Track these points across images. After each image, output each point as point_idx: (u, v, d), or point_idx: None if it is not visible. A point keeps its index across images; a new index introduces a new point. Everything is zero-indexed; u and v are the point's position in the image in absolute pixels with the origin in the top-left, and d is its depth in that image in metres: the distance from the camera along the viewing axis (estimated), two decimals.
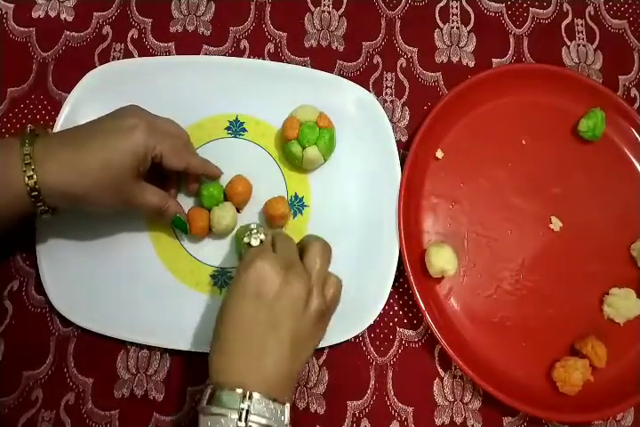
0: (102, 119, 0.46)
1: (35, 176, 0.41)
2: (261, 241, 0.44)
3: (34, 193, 0.42)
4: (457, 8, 0.64)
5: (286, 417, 0.39)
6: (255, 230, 0.44)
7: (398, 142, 0.57)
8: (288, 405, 0.40)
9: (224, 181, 0.53)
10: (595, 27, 0.65)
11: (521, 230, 0.56)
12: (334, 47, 0.61)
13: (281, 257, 0.42)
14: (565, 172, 0.58)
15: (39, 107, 0.57)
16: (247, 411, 0.38)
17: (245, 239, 0.44)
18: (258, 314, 0.40)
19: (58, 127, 0.53)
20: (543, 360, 0.52)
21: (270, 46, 0.61)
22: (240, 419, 0.37)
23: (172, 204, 0.49)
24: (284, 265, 0.42)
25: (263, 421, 0.38)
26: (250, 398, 0.38)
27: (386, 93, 0.60)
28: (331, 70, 0.60)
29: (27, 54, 0.59)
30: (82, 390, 0.50)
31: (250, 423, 0.37)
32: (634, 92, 0.63)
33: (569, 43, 0.64)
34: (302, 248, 0.45)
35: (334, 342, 0.51)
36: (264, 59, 0.60)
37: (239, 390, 0.38)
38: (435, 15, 0.64)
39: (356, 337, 0.52)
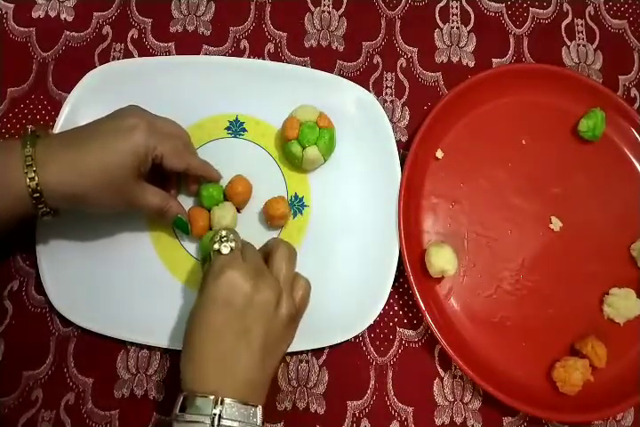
0: (102, 120, 0.46)
1: (36, 178, 0.41)
2: (231, 249, 0.43)
3: (35, 195, 0.41)
4: (457, 8, 0.64)
5: (258, 419, 0.40)
6: (225, 237, 0.44)
7: (398, 142, 0.57)
8: (260, 407, 0.40)
9: (224, 181, 0.53)
10: (595, 27, 0.65)
11: (521, 230, 0.56)
12: (334, 47, 0.61)
13: (250, 265, 0.43)
14: (565, 172, 0.58)
15: (39, 107, 0.57)
16: (219, 416, 0.38)
17: (215, 246, 0.44)
18: (228, 322, 0.41)
19: (58, 127, 0.53)
20: (543, 360, 0.52)
21: (270, 46, 0.61)
22: (212, 424, 0.38)
23: (173, 204, 0.49)
24: (254, 273, 0.42)
25: (235, 424, 0.39)
26: (222, 403, 0.39)
27: (386, 93, 0.60)
28: (331, 70, 0.60)
29: (27, 54, 0.59)
30: (82, 390, 0.50)
31: None
32: (634, 92, 0.63)
33: (569, 43, 0.64)
34: (267, 253, 0.46)
35: (334, 342, 0.51)
36: (264, 59, 0.60)
37: (210, 397, 0.39)
38: (435, 15, 0.64)
39: (356, 337, 0.52)
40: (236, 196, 0.52)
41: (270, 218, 0.52)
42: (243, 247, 0.45)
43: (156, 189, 0.48)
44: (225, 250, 0.43)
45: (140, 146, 0.44)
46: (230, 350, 0.41)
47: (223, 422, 0.38)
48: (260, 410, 0.40)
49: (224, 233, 0.44)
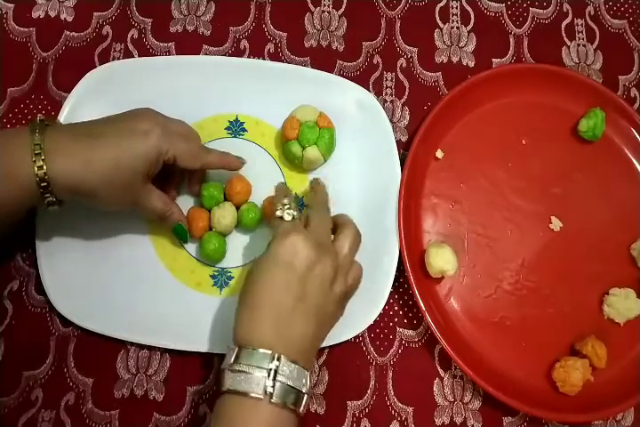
0: (116, 119, 0.46)
1: (44, 167, 0.40)
2: (294, 217, 0.45)
3: (43, 184, 0.41)
4: (457, 8, 0.64)
5: (308, 383, 0.40)
6: (288, 205, 0.45)
7: (398, 142, 0.57)
8: (310, 372, 0.41)
9: (224, 180, 0.53)
10: (595, 27, 0.65)
11: (521, 230, 0.56)
12: (334, 47, 0.61)
13: (314, 235, 0.43)
14: (565, 172, 0.58)
15: (39, 107, 0.57)
16: (275, 371, 0.39)
17: (278, 213, 0.45)
18: (289, 284, 0.41)
19: None
20: (543, 360, 0.52)
21: (270, 46, 0.61)
22: (269, 377, 0.38)
23: (175, 211, 0.49)
24: (317, 243, 0.43)
25: (289, 382, 0.39)
26: (278, 359, 0.39)
27: (386, 93, 0.60)
28: (331, 70, 0.60)
29: (27, 54, 0.59)
30: (82, 390, 0.50)
31: (277, 383, 0.38)
32: (634, 92, 0.63)
33: (569, 43, 0.64)
34: (335, 226, 0.47)
35: (334, 342, 0.51)
36: (264, 59, 0.60)
37: (268, 351, 0.39)
38: (435, 15, 0.64)
39: (356, 337, 0.52)
40: (236, 195, 0.52)
41: (269, 216, 0.52)
42: (312, 217, 0.46)
43: (161, 193, 0.48)
44: (287, 217, 0.44)
45: (153, 150, 0.44)
46: (288, 312, 0.41)
47: (279, 377, 0.38)
48: (309, 375, 0.41)
49: (286, 201, 0.45)
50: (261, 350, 0.39)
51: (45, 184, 0.41)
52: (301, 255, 0.42)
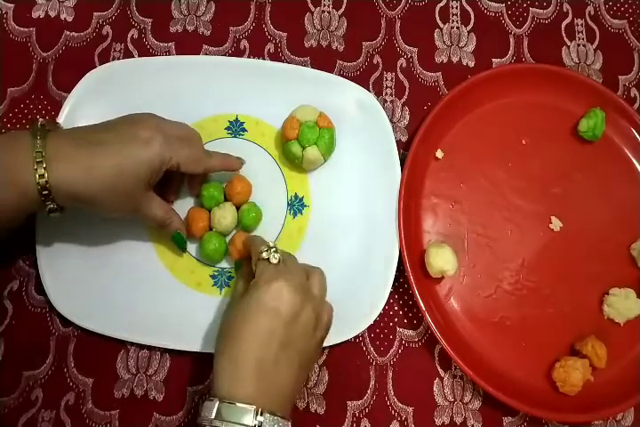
0: (117, 125, 0.45)
1: (46, 175, 0.40)
2: (279, 260, 0.44)
3: (44, 192, 0.41)
4: (457, 8, 0.64)
5: None
6: (274, 249, 0.44)
7: (398, 142, 0.57)
8: (290, 421, 0.40)
9: (223, 181, 0.53)
10: (595, 27, 0.65)
11: (521, 230, 0.56)
12: (334, 47, 0.61)
13: (298, 281, 0.43)
14: (565, 172, 0.58)
15: (39, 107, 0.57)
16: None
17: (264, 255, 0.44)
18: (275, 330, 0.40)
19: None
20: (543, 360, 0.52)
21: (270, 46, 0.61)
22: None
23: (175, 219, 0.49)
24: (302, 290, 0.43)
25: None
26: (262, 414, 0.38)
27: (386, 93, 0.60)
28: (331, 70, 0.60)
29: (27, 54, 0.59)
30: (82, 390, 0.50)
31: None
32: (634, 92, 0.63)
33: (569, 43, 0.64)
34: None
35: (334, 342, 0.51)
36: (264, 59, 0.60)
37: (251, 407, 0.38)
38: (435, 15, 0.64)
39: (356, 337, 0.52)
40: (237, 196, 0.52)
41: (234, 254, 0.51)
42: (288, 263, 0.45)
43: (162, 201, 0.48)
44: (274, 260, 0.44)
45: (157, 159, 0.44)
46: (272, 363, 0.40)
47: None
48: (290, 425, 0.40)
49: (272, 244, 0.45)
50: (245, 406, 0.38)
51: (47, 192, 0.41)
52: (287, 301, 0.41)
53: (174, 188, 0.53)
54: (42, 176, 0.40)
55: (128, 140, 0.44)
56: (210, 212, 0.52)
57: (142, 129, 0.44)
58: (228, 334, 0.42)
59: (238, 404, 0.38)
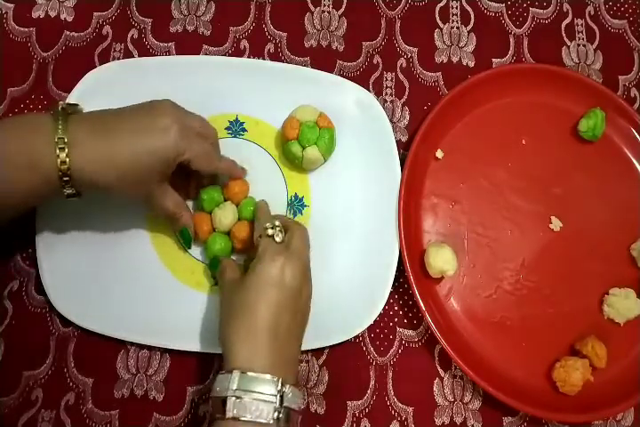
0: (135, 111, 0.45)
1: (67, 162, 0.40)
2: (282, 239, 0.45)
3: (65, 178, 0.41)
4: (457, 8, 0.64)
5: (304, 400, 0.43)
6: (279, 227, 0.46)
7: (398, 142, 0.57)
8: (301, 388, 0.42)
9: (220, 182, 0.53)
10: (595, 27, 0.65)
11: (521, 230, 0.56)
12: (334, 47, 0.61)
13: (302, 260, 0.45)
14: (565, 172, 0.58)
15: (39, 107, 0.57)
16: (282, 396, 0.39)
17: (270, 231, 0.45)
18: (285, 302, 0.42)
19: None
20: (543, 360, 0.52)
21: (270, 46, 0.61)
22: (277, 404, 0.39)
23: (185, 215, 0.49)
24: (305, 268, 0.45)
25: (294, 406, 0.40)
26: (282, 384, 0.39)
27: (386, 93, 0.60)
28: (331, 70, 0.60)
29: (27, 54, 0.59)
30: (82, 390, 0.50)
31: (284, 409, 0.39)
32: (634, 92, 0.63)
33: (569, 43, 0.64)
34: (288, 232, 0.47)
35: (334, 342, 0.51)
36: (264, 59, 0.60)
37: (273, 377, 0.39)
38: (435, 15, 0.64)
39: (356, 337, 0.52)
40: (235, 196, 0.52)
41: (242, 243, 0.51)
42: (292, 237, 0.46)
43: (175, 194, 0.48)
44: (278, 239, 0.45)
45: (171, 151, 0.44)
46: (285, 332, 0.42)
47: (285, 402, 0.39)
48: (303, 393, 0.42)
49: (277, 223, 0.46)
50: (267, 376, 0.39)
51: (67, 178, 0.41)
52: (293, 276, 0.43)
53: (195, 184, 0.53)
54: (63, 163, 0.40)
55: (144, 130, 0.43)
56: (210, 214, 0.52)
57: (159, 117, 0.44)
58: (238, 307, 0.42)
59: (261, 374, 0.39)
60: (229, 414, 0.38)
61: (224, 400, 0.39)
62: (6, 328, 0.51)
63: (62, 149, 0.40)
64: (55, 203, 0.52)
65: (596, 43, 0.64)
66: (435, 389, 0.52)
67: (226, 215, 0.51)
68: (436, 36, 0.63)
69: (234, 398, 0.38)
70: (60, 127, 0.41)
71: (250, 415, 0.38)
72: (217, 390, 0.40)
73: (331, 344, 0.51)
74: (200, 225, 0.51)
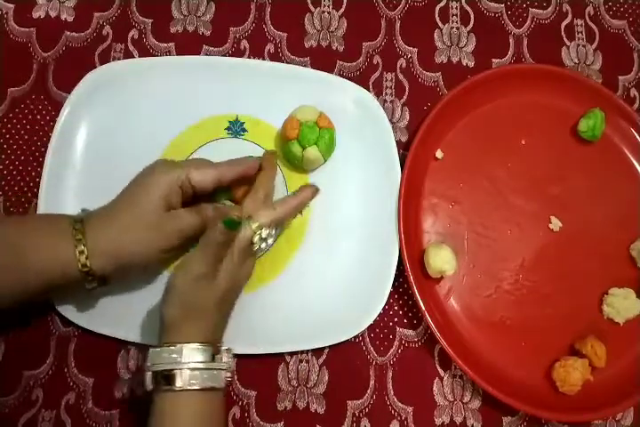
0: (129, 185, 0.47)
1: (88, 264, 0.43)
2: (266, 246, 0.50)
3: (90, 277, 0.44)
4: (457, 8, 0.64)
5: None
6: (266, 237, 0.48)
7: (398, 142, 0.57)
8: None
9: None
10: (594, 27, 0.65)
11: (521, 230, 0.56)
12: (334, 47, 0.61)
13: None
14: (565, 172, 0.58)
15: (39, 107, 0.57)
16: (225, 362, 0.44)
17: (262, 235, 0.47)
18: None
19: (58, 127, 0.53)
20: (543, 360, 0.52)
21: (270, 46, 0.61)
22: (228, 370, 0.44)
23: (208, 210, 0.48)
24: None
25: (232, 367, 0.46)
26: (220, 349, 0.45)
27: (386, 93, 0.60)
28: (331, 70, 0.60)
29: (27, 54, 0.59)
30: (82, 390, 0.50)
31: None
32: (633, 92, 0.63)
33: (569, 43, 0.64)
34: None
35: (334, 342, 0.51)
36: (264, 59, 0.60)
37: (224, 347, 0.45)
38: (435, 15, 0.64)
39: (355, 337, 0.52)
40: (240, 200, 0.51)
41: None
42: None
43: (186, 208, 0.47)
44: (255, 246, 0.47)
45: (163, 181, 0.45)
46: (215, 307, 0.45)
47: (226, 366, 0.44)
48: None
49: (273, 232, 0.49)
50: (223, 348, 0.45)
51: (91, 277, 0.44)
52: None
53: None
54: (85, 266, 0.43)
55: (137, 192, 0.46)
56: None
57: (146, 170, 0.47)
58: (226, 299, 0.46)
59: (201, 344, 0.43)
60: (179, 385, 0.41)
61: (169, 373, 0.41)
62: (6, 328, 0.51)
63: (82, 253, 0.42)
64: (55, 203, 0.52)
65: (596, 43, 0.64)
66: (434, 388, 0.52)
67: None
68: (435, 36, 0.63)
69: (185, 369, 0.41)
70: (77, 230, 0.43)
71: (202, 383, 0.41)
72: (160, 365, 0.42)
73: (331, 344, 0.51)
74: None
